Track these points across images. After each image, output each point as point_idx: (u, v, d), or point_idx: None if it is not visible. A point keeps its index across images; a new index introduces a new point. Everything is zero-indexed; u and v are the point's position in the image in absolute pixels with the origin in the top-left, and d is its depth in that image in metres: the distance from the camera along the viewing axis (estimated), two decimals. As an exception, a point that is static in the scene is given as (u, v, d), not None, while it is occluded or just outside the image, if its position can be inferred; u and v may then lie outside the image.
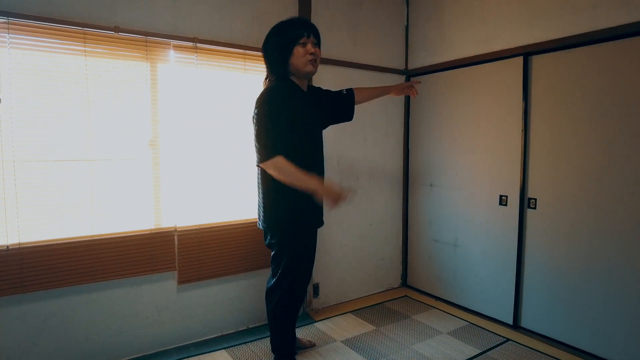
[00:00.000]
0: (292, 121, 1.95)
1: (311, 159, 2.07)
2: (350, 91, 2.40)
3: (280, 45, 2.00)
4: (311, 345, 2.50)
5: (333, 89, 3.04)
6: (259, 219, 2.13)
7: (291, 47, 1.98)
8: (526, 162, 2.65)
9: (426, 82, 3.30)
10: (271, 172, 1.92)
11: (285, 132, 1.92)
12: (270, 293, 2.20)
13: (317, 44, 2.06)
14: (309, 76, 2.12)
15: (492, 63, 2.80)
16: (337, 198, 1.86)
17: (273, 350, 2.28)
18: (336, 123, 2.44)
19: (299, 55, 1.98)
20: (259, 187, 2.11)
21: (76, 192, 2.15)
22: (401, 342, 2.59)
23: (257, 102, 2.00)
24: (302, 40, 1.98)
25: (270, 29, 2.07)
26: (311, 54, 1.99)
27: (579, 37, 2.34)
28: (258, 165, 2.00)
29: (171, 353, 2.42)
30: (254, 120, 1.98)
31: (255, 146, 1.99)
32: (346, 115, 2.40)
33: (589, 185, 2.35)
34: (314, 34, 2.03)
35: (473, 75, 2.94)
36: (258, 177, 2.11)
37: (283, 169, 1.88)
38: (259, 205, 2.13)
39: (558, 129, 2.47)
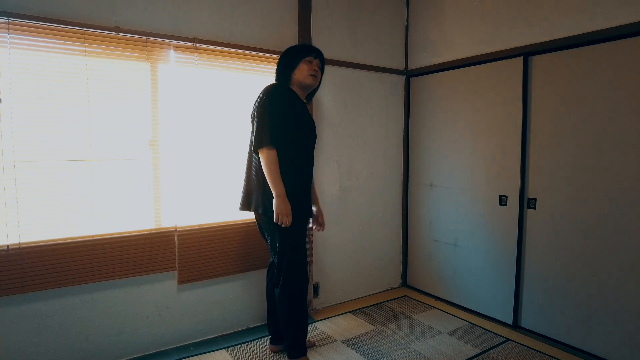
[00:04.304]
0: (290, 118, 2.15)
1: (304, 157, 2.25)
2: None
3: (289, 62, 2.27)
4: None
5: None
6: (255, 204, 2.21)
7: (297, 62, 2.24)
8: (526, 162, 2.65)
9: (426, 82, 3.31)
10: (261, 159, 2.10)
11: (281, 125, 2.12)
12: (275, 283, 2.26)
13: (322, 69, 2.33)
14: (309, 88, 2.32)
15: (492, 63, 2.80)
16: (283, 214, 2.07)
17: (285, 347, 2.32)
18: None
19: (303, 70, 2.24)
20: (254, 173, 2.21)
21: (76, 192, 2.15)
22: (401, 342, 2.59)
23: (260, 94, 2.19)
24: (308, 58, 2.25)
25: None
26: (314, 69, 2.25)
27: (579, 37, 2.34)
28: (255, 152, 2.14)
29: (171, 353, 2.42)
30: (255, 109, 2.17)
31: (254, 133, 2.14)
32: None
33: (588, 185, 2.35)
34: (320, 60, 2.31)
35: (473, 75, 2.94)
36: (253, 164, 2.22)
37: (269, 161, 2.07)
38: (253, 190, 2.23)
39: (558, 129, 2.48)
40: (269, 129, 2.08)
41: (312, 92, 2.40)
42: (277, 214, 2.07)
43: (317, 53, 2.31)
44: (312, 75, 2.25)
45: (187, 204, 2.47)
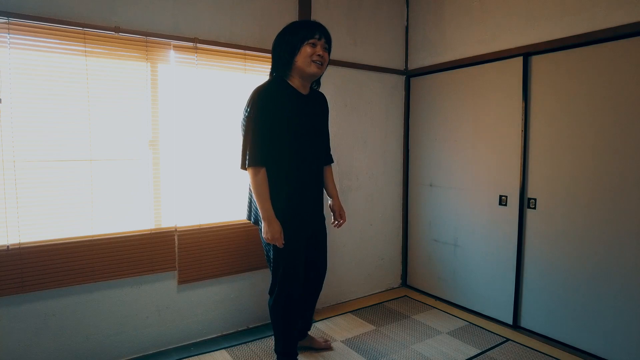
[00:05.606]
0: (277, 125, 1.99)
1: (305, 155, 2.09)
2: (330, 158, 2.40)
3: (290, 44, 2.01)
4: (327, 347, 2.47)
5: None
6: (255, 217, 2.16)
7: (300, 45, 1.99)
8: (526, 162, 2.65)
9: (426, 82, 3.31)
10: (249, 178, 2.00)
11: (266, 141, 1.98)
12: (270, 292, 2.22)
13: (328, 49, 2.07)
14: (313, 78, 2.08)
15: (492, 63, 2.80)
16: (271, 239, 1.99)
17: (275, 350, 2.29)
18: None
19: (305, 55, 1.99)
20: (249, 185, 2.15)
21: (76, 192, 2.15)
22: (401, 342, 2.59)
23: (247, 102, 2.05)
24: (312, 41, 1.99)
25: (274, 25, 2.10)
26: (318, 55, 2.00)
27: (579, 37, 2.34)
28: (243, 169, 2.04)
29: (171, 353, 2.42)
30: (243, 121, 2.04)
31: (240, 149, 2.03)
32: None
33: (588, 185, 2.35)
34: (326, 38, 2.05)
35: (473, 75, 2.94)
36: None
37: (255, 182, 1.97)
38: (251, 201, 2.18)
39: (558, 129, 2.48)
40: (254, 146, 1.94)
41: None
42: (266, 239, 1.99)
43: (321, 31, 2.00)
44: (315, 62, 1.99)
45: (187, 204, 2.47)
